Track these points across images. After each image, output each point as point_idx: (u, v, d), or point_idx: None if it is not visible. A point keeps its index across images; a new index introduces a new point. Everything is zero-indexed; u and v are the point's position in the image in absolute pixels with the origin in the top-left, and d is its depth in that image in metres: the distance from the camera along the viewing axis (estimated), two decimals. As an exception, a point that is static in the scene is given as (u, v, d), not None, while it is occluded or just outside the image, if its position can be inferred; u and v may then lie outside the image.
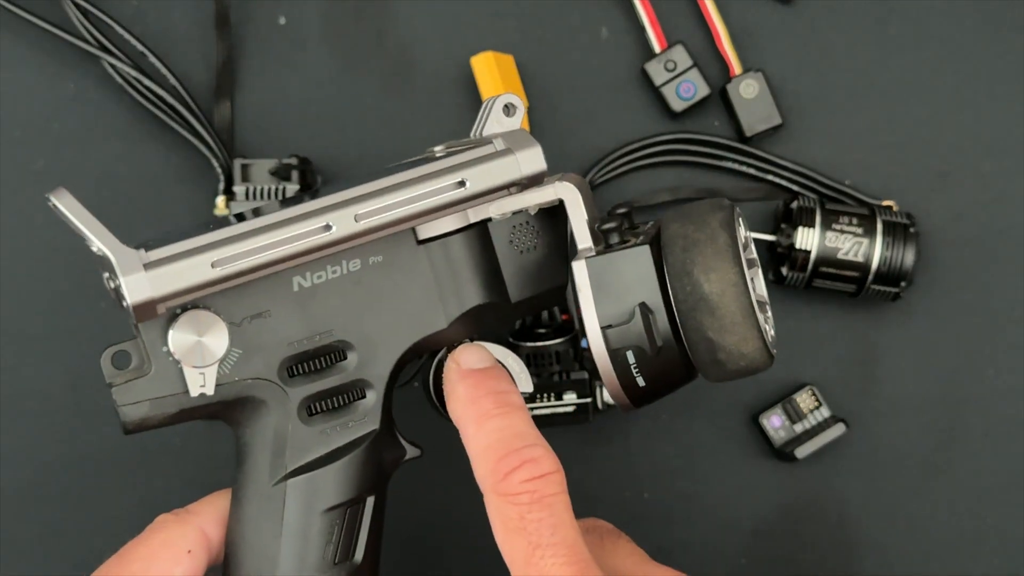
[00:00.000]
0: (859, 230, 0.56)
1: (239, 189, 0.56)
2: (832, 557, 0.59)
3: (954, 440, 0.59)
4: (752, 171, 0.59)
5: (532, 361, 0.55)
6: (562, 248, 0.46)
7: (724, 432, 0.59)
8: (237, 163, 0.56)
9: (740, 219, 0.44)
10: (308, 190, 0.56)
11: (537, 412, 0.55)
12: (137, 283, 0.39)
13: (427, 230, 0.44)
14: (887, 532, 0.59)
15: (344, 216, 0.42)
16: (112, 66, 0.56)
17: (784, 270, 0.57)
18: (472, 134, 0.46)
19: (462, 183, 0.43)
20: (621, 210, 0.44)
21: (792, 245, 0.56)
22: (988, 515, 0.59)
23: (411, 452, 0.46)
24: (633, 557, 0.46)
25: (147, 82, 0.56)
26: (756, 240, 0.58)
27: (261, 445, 0.43)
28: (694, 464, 0.59)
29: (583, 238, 0.44)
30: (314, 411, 0.44)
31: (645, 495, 0.59)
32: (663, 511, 0.59)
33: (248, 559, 0.43)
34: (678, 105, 0.58)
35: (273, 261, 0.41)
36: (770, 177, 0.59)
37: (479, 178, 0.43)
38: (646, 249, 0.42)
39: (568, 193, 0.44)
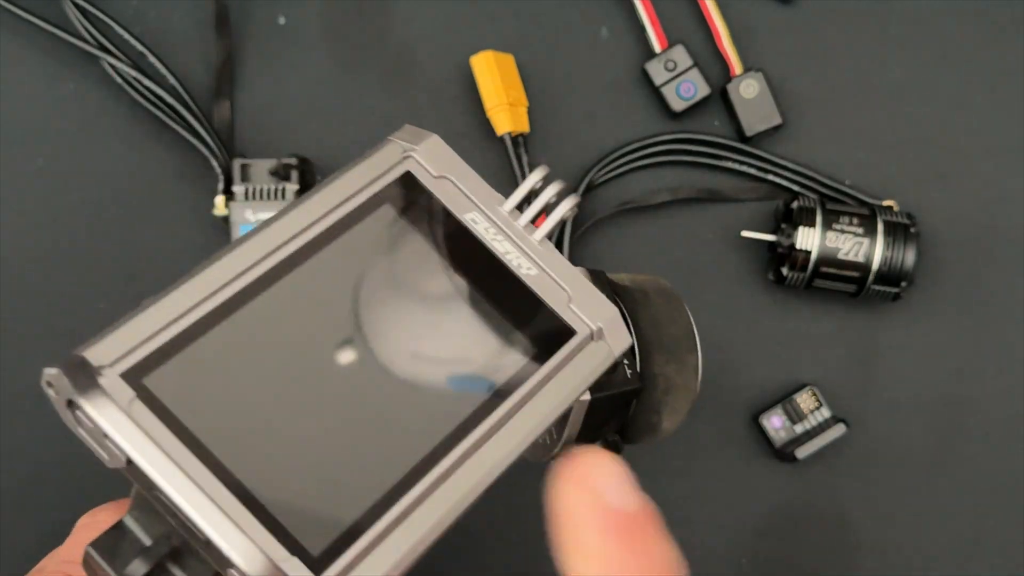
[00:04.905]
0: (860, 230, 0.56)
1: (239, 189, 0.56)
2: (832, 557, 0.59)
3: (954, 440, 0.59)
4: (752, 171, 0.59)
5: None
6: None
7: (724, 432, 0.59)
8: (237, 163, 0.56)
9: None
10: (308, 190, 0.56)
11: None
12: None
13: None
14: (887, 532, 0.59)
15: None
16: (112, 66, 0.56)
17: (784, 270, 0.57)
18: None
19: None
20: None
21: (792, 245, 0.56)
22: (988, 515, 0.59)
23: None
24: None
25: (147, 82, 0.56)
26: (757, 240, 0.58)
27: None
28: (694, 464, 0.59)
29: None
30: None
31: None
32: (663, 511, 0.59)
33: None
34: (678, 105, 0.58)
35: None
36: (770, 177, 0.59)
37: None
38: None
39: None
